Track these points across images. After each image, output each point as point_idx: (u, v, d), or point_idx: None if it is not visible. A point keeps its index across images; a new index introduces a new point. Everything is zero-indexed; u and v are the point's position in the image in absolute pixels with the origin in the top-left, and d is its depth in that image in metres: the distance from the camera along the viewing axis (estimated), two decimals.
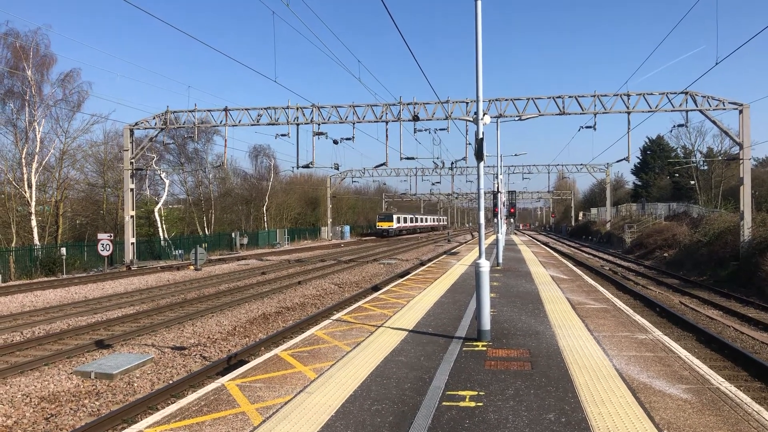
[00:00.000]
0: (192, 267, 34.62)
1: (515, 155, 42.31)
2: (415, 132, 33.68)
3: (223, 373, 10.86)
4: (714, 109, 30.29)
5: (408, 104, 33.14)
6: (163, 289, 25.37)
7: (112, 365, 11.90)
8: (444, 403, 7.01)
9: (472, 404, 6.97)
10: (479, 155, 10.76)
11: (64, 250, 32.90)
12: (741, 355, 12.59)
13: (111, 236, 34.32)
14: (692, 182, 63.08)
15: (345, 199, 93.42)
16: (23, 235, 39.46)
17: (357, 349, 9.91)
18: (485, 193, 13.63)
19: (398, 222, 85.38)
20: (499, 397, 7.20)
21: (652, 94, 30.71)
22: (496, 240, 27.65)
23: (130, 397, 10.43)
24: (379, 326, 11.98)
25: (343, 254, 47.38)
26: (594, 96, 31.13)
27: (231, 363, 12.13)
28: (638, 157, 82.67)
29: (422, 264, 33.91)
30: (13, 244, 37.13)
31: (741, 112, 29.84)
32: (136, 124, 37.01)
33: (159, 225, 48.36)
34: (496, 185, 27.58)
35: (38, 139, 39.57)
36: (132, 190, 37.59)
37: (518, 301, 15.23)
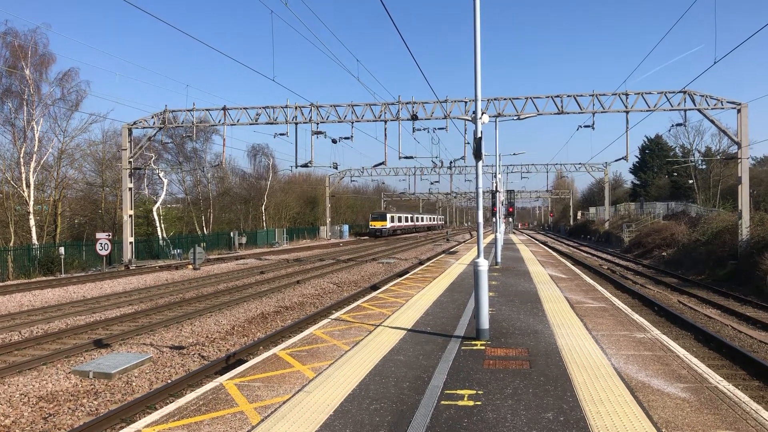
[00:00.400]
0: (190, 266, 34.60)
1: (514, 154, 42.29)
2: (413, 131, 33.68)
3: (221, 373, 10.85)
4: (712, 109, 30.33)
5: (407, 103, 33.14)
6: (161, 288, 25.35)
7: (110, 365, 11.89)
8: (442, 402, 7.01)
9: (471, 403, 6.97)
10: (478, 154, 10.76)
11: (62, 250, 32.87)
12: (739, 354, 12.61)
13: (109, 236, 34.31)
14: (691, 181, 63.18)
15: (344, 199, 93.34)
16: (21, 235, 39.43)
17: (356, 348, 9.91)
18: (484, 193, 13.67)
19: (392, 221, 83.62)
20: (497, 396, 7.20)
21: (650, 93, 30.73)
22: (495, 239, 27.65)
23: (128, 396, 10.42)
24: (378, 325, 11.98)
25: (342, 253, 47.38)
26: (592, 95, 31.15)
27: (229, 362, 12.12)
28: (637, 157, 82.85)
29: (421, 263, 33.91)
30: (11, 244, 37.11)
31: (739, 111, 29.87)
32: (135, 123, 36.98)
33: (157, 224, 48.32)
34: (495, 184, 27.58)
35: (36, 139, 39.54)
36: (130, 189, 37.55)
37: (517, 300, 15.24)
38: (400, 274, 27.83)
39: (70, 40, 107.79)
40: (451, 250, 43.78)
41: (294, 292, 23.63)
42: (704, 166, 65.55)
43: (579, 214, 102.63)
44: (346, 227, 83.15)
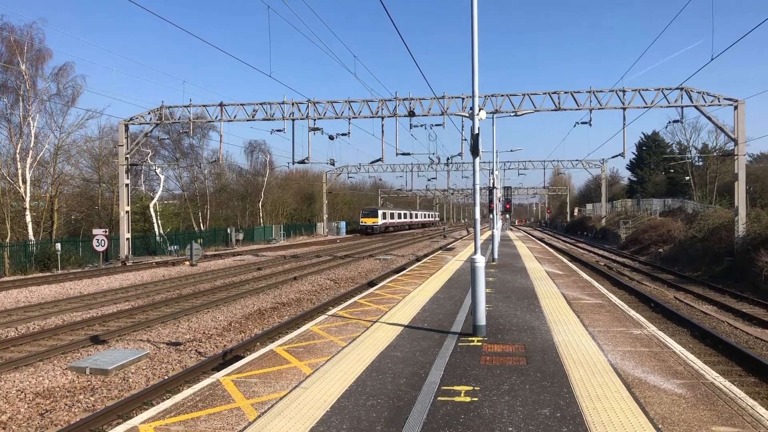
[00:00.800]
0: (187, 263, 34.57)
1: (511, 151, 42.34)
2: (410, 128, 33.65)
3: (218, 369, 10.83)
4: (709, 105, 30.35)
5: (404, 100, 33.10)
6: (158, 284, 25.33)
7: (107, 361, 11.87)
8: (439, 398, 7.01)
9: (468, 399, 6.97)
10: (475, 151, 10.75)
11: (58, 246, 32.80)
12: (735, 350, 12.65)
13: (106, 232, 34.26)
14: (687, 178, 63.26)
15: (341, 195, 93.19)
16: (18, 231, 39.35)
17: (352, 345, 9.91)
18: (481, 189, 13.64)
19: (384, 218, 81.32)
20: (494, 392, 7.21)
21: (647, 89, 30.74)
22: (492, 236, 27.69)
23: (125, 392, 10.42)
24: (375, 322, 11.98)
25: (339, 250, 47.37)
26: (589, 92, 31.15)
27: (226, 358, 12.11)
28: (633, 153, 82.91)
29: (418, 260, 33.93)
30: (7, 240, 37.01)
31: (736, 108, 29.90)
32: (131, 119, 36.87)
33: (154, 220, 48.26)
34: (492, 181, 27.61)
35: (33, 135, 39.45)
36: (127, 185, 37.46)
37: (514, 297, 15.25)
38: (397, 271, 27.84)
39: (66, 36, 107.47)
40: (448, 246, 43.81)
41: (291, 289, 23.62)
42: (701, 163, 65.64)
43: (576, 210, 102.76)
44: (343, 224, 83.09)
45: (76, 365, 11.75)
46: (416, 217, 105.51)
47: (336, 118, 33.87)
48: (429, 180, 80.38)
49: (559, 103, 31.38)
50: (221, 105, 34.51)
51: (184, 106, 35.32)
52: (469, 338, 10.26)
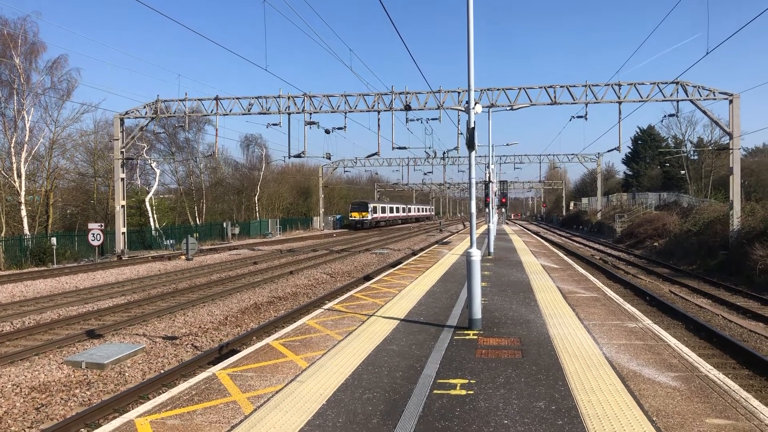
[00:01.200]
0: (183, 257, 34.53)
1: (507, 145, 42.23)
2: (407, 122, 33.67)
3: (214, 363, 10.85)
4: (704, 99, 30.40)
5: (400, 94, 33.07)
6: (154, 279, 25.30)
7: (103, 355, 11.87)
8: (435, 392, 7.04)
9: (463, 392, 7.00)
10: (470, 145, 10.75)
11: (54, 240, 32.72)
12: (729, 343, 12.71)
13: (102, 226, 34.15)
14: (682, 172, 63.43)
15: (337, 189, 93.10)
16: (13, 225, 39.21)
17: (349, 338, 9.93)
18: (477, 183, 13.67)
19: (375, 212, 77.95)
20: (489, 386, 7.24)
21: (643, 83, 30.77)
22: (488, 230, 27.70)
23: (121, 386, 10.42)
24: (371, 315, 12.00)
25: (335, 244, 47.38)
26: (585, 86, 31.17)
27: (222, 352, 12.12)
28: (629, 147, 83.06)
29: (414, 254, 33.95)
30: (2, 234, 36.90)
31: (731, 102, 29.97)
32: (127, 113, 36.74)
33: (150, 215, 48.14)
34: (488, 175, 27.60)
35: (27, 129, 39.25)
36: (123, 179, 37.37)
37: (509, 290, 15.29)
38: (393, 265, 27.86)
39: (60, 29, 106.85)
40: (444, 240, 43.86)
41: (287, 283, 23.63)
42: (696, 157, 65.83)
43: (571, 204, 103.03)
44: (339, 218, 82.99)
45: (72, 359, 11.74)
46: (410, 211, 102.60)
47: (332, 112, 33.84)
48: (425, 174, 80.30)
49: (555, 97, 31.39)
50: (217, 99, 34.43)
51: (180, 100, 35.21)
52: (465, 332, 10.29)
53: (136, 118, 37.18)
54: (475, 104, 10.91)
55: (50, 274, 27.29)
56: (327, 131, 35.12)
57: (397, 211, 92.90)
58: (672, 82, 30.32)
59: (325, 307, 13.57)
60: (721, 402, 6.62)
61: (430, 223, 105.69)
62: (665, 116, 42.47)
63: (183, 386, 7.49)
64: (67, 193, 48.31)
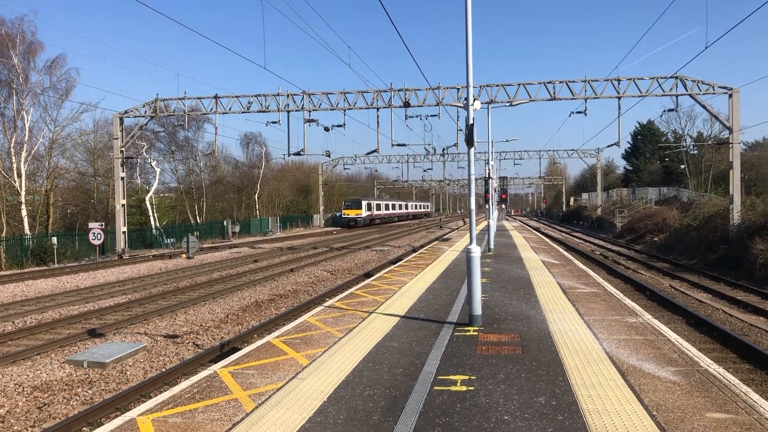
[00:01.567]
0: (184, 255, 34.55)
1: (506, 141, 42.31)
2: (406, 118, 33.64)
3: (215, 361, 10.86)
4: (704, 94, 30.38)
5: (399, 90, 33.05)
6: (155, 277, 25.32)
7: (104, 354, 11.89)
8: (436, 388, 7.05)
9: (464, 388, 7.02)
10: (470, 141, 10.75)
11: (55, 240, 32.75)
12: (730, 338, 12.73)
13: (102, 225, 34.17)
14: (682, 167, 63.42)
15: (337, 187, 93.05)
16: (13, 225, 39.26)
17: (349, 336, 9.95)
18: (477, 179, 13.68)
19: (369, 209, 74.97)
20: (490, 382, 7.26)
21: (642, 78, 30.75)
22: (488, 226, 27.71)
23: (122, 385, 10.44)
24: (372, 312, 12.02)
25: (335, 241, 47.39)
26: (584, 81, 31.15)
27: (223, 350, 12.14)
28: (629, 142, 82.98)
29: (414, 250, 33.97)
30: (3, 234, 36.93)
31: (731, 96, 29.93)
32: (126, 112, 36.73)
33: (150, 214, 48.19)
34: (488, 171, 27.60)
35: (27, 128, 39.28)
36: (123, 178, 37.36)
37: (509, 286, 15.30)
38: (394, 262, 27.88)
39: (58, 29, 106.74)
40: (444, 237, 43.87)
41: (288, 280, 23.65)
42: (696, 152, 65.79)
43: (571, 200, 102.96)
44: (339, 215, 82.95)
45: (74, 359, 11.77)
46: (407, 207, 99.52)
47: (331, 109, 33.84)
48: (425, 171, 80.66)
49: (554, 92, 31.38)
50: (216, 97, 34.42)
51: (179, 99, 35.21)
52: (465, 328, 10.31)
53: (135, 117, 37.18)
54: (474, 101, 10.91)
55: (51, 273, 27.32)
56: (326, 129, 35.11)
57: (394, 207, 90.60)
58: (671, 77, 30.30)
59: (326, 304, 13.59)
60: (722, 396, 6.63)
61: (429, 219, 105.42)
62: (665, 111, 42.51)
63: (184, 384, 7.51)
64: (68, 193, 48.36)
